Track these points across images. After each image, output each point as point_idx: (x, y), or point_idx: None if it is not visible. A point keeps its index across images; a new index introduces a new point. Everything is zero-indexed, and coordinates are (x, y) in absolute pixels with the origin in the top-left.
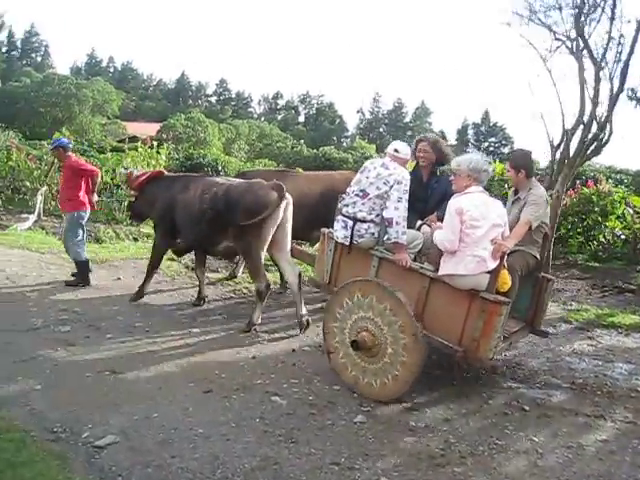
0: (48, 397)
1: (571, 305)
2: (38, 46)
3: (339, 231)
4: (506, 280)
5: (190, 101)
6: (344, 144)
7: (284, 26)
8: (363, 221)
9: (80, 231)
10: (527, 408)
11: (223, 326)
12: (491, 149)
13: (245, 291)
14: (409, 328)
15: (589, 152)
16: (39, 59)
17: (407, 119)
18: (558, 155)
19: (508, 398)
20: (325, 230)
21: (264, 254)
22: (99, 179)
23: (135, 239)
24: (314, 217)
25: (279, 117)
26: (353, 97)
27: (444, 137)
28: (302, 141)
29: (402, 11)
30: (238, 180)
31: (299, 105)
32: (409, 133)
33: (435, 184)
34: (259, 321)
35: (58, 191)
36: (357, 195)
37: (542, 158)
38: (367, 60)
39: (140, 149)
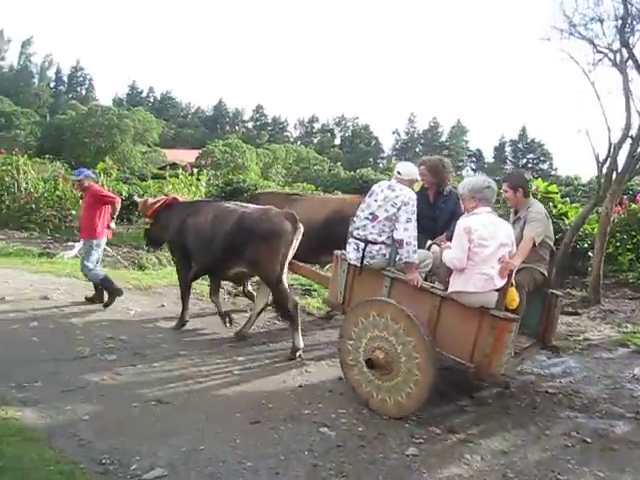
0: (96, 427)
1: (626, 327)
2: (83, 80)
3: (351, 253)
4: (514, 297)
5: (227, 127)
6: (380, 165)
7: (318, 50)
8: (374, 243)
9: (96, 256)
10: (589, 440)
11: (268, 354)
12: (529, 166)
13: None
14: (422, 347)
15: (638, 166)
16: (84, 92)
17: (443, 138)
18: (604, 170)
19: (567, 428)
20: (338, 252)
21: (285, 277)
22: (119, 206)
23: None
24: (321, 241)
25: (315, 140)
26: (388, 118)
27: (481, 155)
28: (339, 164)
29: (437, 30)
30: (252, 206)
31: (335, 128)
32: (445, 152)
33: (442, 204)
34: (302, 344)
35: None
36: (367, 218)
37: (584, 174)
38: (402, 80)
39: (181, 176)
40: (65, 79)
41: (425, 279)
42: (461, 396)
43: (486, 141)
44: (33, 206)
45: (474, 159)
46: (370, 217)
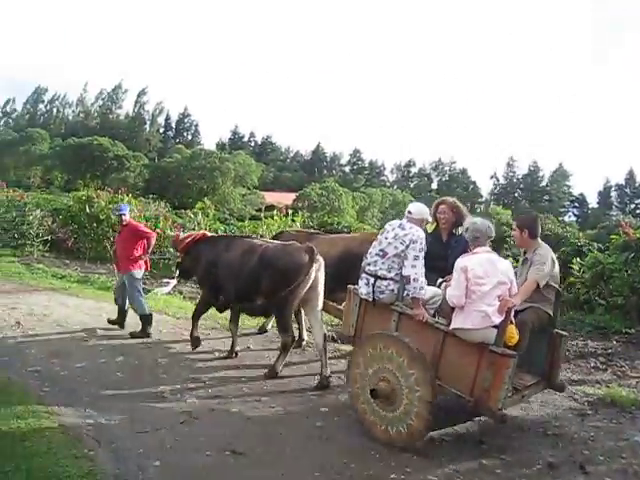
0: (167, 476)
1: None
2: (189, 126)
3: (362, 288)
4: (513, 334)
5: (325, 171)
6: (478, 210)
7: (416, 95)
8: (383, 278)
9: (140, 287)
10: None
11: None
12: (638, 211)
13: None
14: (423, 381)
15: None
16: (190, 137)
17: (543, 183)
18: None
19: None
20: (351, 287)
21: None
22: (154, 241)
23: None
24: (335, 277)
25: (412, 185)
26: (486, 162)
27: (584, 200)
28: None
29: (537, 69)
30: (275, 242)
31: (431, 172)
32: (546, 198)
33: (455, 243)
34: (281, 370)
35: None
36: (377, 254)
37: None
38: (501, 123)
39: (276, 217)
40: (173, 125)
41: (434, 315)
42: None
43: (590, 185)
44: None
45: (577, 205)
46: (380, 254)
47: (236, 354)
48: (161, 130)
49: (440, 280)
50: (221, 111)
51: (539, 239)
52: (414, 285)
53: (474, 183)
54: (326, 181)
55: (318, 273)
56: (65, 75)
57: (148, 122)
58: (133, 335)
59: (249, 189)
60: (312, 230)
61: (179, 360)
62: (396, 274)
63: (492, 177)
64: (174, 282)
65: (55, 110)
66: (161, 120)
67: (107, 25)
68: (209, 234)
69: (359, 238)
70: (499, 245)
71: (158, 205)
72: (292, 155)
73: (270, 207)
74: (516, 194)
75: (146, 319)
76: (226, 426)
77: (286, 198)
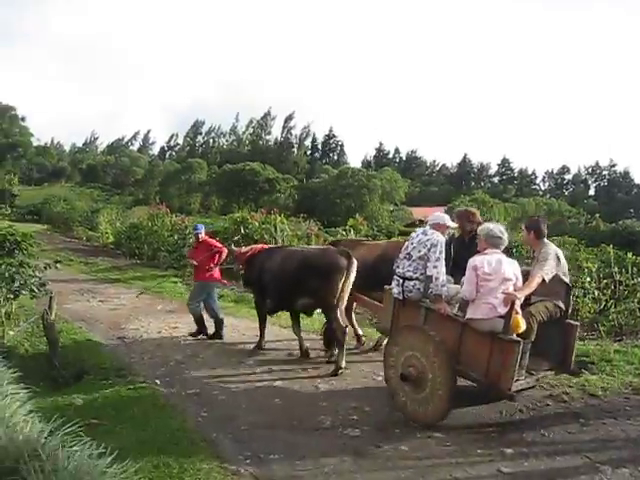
0: None
1: None
2: (335, 146)
3: (394, 288)
4: (518, 324)
5: (472, 183)
6: None
7: (566, 97)
8: (410, 279)
9: (203, 295)
10: None
11: (547, 446)
12: None
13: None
14: (444, 366)
15: None
16: (336, 157)
17: None
18: None
19: None
20: (387, 287)
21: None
22: (225, 255)
23: None
24: (372, 277)
25: (566, 192)
26: None
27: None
28: (597, 215)
29: None
30: (315, 247)
31: (588, 178)
32: None
33: (475, 246)
34: (344, 364)
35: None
36: (405, 258)
37: None
38: None
39: None
40: (319, 146)
41: (459, 310)
42: None
43: None
44: None
45: None
46: (407, 257)
47: (308, 354)
48: (308, 152)
49: (464, 278)
50: (365, 129)
51: (545, 239)
52: (436, 283)
53: (638, 186)
54: (475, 193)
55: (352, 275)
56: (218, 108)
57: (296, 145)
58: (192, 334)
59: (396, 205)
60: (361, 238)
61: (340, 386)
62: (421, 274)
63: None
64: None
65: (211, 141)
66: (308, 142)
67: (252, 58)
68: (267, 246)
69: (392, 244)
70: None
71: (309, 224)
72: (438, 169)
73: (419, 222)
74: None
75: (219, 323)
76: (393, 468)
77: (433, 212)
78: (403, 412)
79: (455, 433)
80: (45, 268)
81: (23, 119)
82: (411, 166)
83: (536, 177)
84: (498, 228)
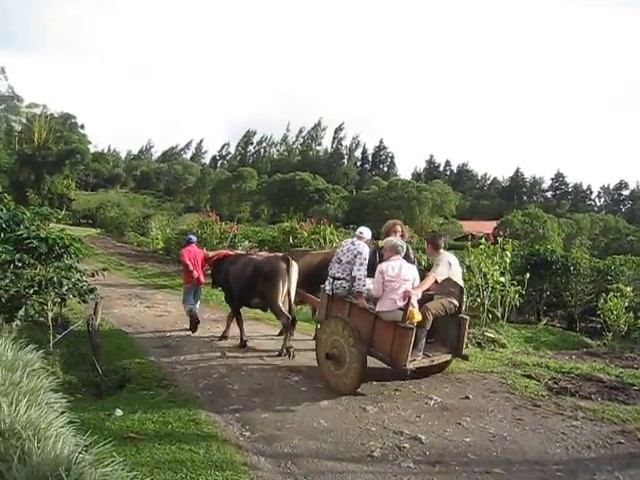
0: None
1: None
2: (385, 158)
3: (327, 286)
4: (414, 315)
5: (524, 197)
6: None
7: (620, 110)
8: (339, 279)
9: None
10: None
11: None
12: None
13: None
14: (357, 348)
15: None
16: (386, 169)
17: None
18: None
19: None
20: (322, 285)
21: (281, 302)
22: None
23: (479, 344)
24: (315, 278)
25: (624, 209)
26: None
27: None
28: None
29: None
30: (262, 256)
31: None
32: None
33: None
34: (289, 345)
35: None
36: (336, 262)
37: None
38: None
39: (482, 246)
40: (369, 158)
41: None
42: None
43: None
44: None
45: None
46: (338, 261)
47: (245, 343)
48: (358, 163)
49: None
50: (416, 141)
51: (441, 250)
52: (358, 283)
53: None
54: (527, 208)
55: (292, 276)
56: (271, 118)
57: (346, 156)
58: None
59: (446, 218)
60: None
61: (390, 408)
62: (347, 275)
63: None
64: None
65: (262, 150)
66: (358, 153)
67: (306, 70)
68: (231, 253)
69: (331, 253)
70: None
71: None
72: (489, 182)
73: (469, 236)
74: None
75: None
76: None
77: (485, 227)
78: (328, 384)
79: (517, 469)
80: (92, 275)
81: (82, 127)
82: (462, 179)
83: (591, 192)
84: (399, 241)
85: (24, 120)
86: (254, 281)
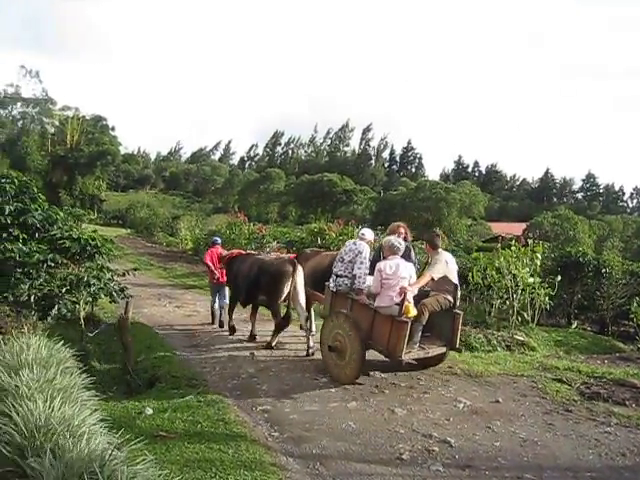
0: None
1: None
2: (413, 159)
3: (331, 283)
4: (409, 310)
5: (554, 199)
6: None
7: None
8: (341, 277)
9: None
10: None
11: None
12: None
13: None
14: (357, 340)
15: None
16: (414, 170)
17: None
18: None
19: None
20: (326, 283)
21: (282, 302)
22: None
23: (508, 347)
24: (325, 278)
25: None
26: None
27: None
28: None
29: None
30: (270, 256)
31: None
32: None
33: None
34: (274, 344)
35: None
36: (339, 261)
37: None
38: None
39: (513, 248)
40: (397, 159)
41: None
42: None
43: None
44: None
45: None
46: (341, 260)
47: (254, 337)
48: (386, 164)
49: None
50: (445, 142)
51: (439, 249)
52: (358, 281)
53: None
54: (557, 209)
55: (298, 277)
56: (299, 119)
57: (373, 157)
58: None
59: (475, 220)
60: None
61: (419, 411)
62: (349, 273)
63: None
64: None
65: (290, 151)
66: (386, 154)
67: (335, 72)
68: (243, 252)
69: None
70: None
71: (384, 236)
72: (518, 183)
73: (498, 238)
74: None
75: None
76: None
77: (513, 228)
78: (331, 374)
79: (549, 475)
80: (123, 275)
81: (113, 129)
82: (491, 180)
83: (623, 194)
84: (397, 240)
85: (57, 123)
86: (259, 280)
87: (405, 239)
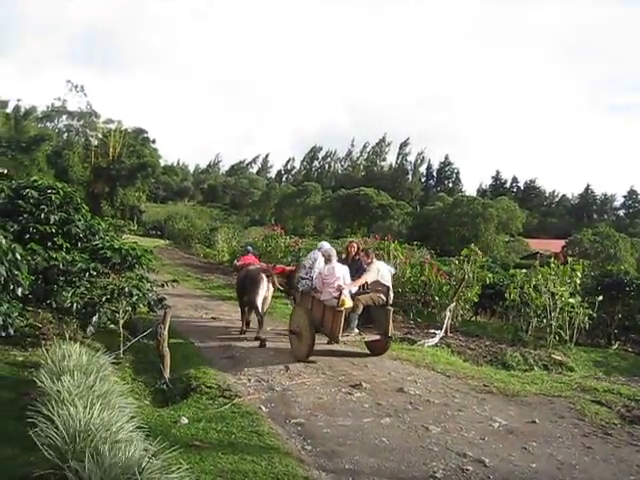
0: None
1: None
2: (450, 174)
3: (299, 285)
4: (344, 302)
5: (595, 216)
6: None
7: None
8: (303, 279)
9: None
10: None
11: None
12: None
13: None
14: (308, 326)
15: None
16: (451, 185)
17: None
18: None
19: None
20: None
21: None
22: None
23: (545, 366)
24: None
25: None
26: None
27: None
28: None
29: None
30: (253, 267)
31: None
32: None
33: (355, 264)
34: (263, 337)
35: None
36: (302, 267)
37: None
38: None
39: (552, 265)
40: (434, 174)
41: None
42: None
43: None
44: (399, 290)
45: None
46: (303, 266)
47: (244, 332)
48: (423, 179)
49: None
50: (482, 157)
51: (373, 260)
52: (315, 282)
53: None
54: (598, 226)
55: (269, 284)
56: (337, 133)
57: (410, 172)
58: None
59: (512, 236)
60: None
61: (453, 429)
62: (309, 276)
63: None
64: (441, 333)
65: (327, 165)
66: (422, 169)
67: (373, 85)
68: (247, 262)
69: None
70: None
71: (422, 252)
72: (557, 199)
73: (536, 255)
74: None
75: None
76: None
77: (552, 245)
78: (292, 353)
79: None
80: (162, 285)
81: (154, 141)
82: (529, 196)
83: None
84: (331, 250)
85: (100, 135)
86: (245, 284)
87: (357, 254)
